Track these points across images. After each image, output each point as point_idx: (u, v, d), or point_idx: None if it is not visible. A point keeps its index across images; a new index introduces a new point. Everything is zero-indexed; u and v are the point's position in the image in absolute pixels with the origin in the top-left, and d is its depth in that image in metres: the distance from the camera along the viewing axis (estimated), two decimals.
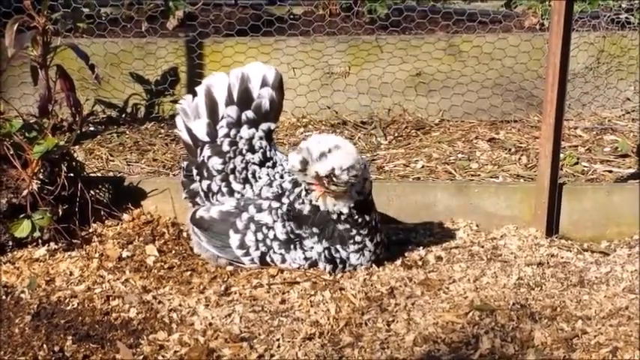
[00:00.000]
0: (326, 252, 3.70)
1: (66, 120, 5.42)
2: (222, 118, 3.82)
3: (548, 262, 3.84)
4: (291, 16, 6.46)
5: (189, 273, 3.81)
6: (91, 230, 4.14)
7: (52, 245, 3.97)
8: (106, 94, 5.82)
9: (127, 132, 5.53)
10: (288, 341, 3.23)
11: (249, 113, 3.80)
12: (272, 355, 3.17)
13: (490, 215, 4.21)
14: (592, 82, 5.73)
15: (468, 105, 5.70)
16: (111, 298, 3.57)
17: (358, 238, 3.68)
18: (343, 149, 3.53)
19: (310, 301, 3.51)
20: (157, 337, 3.29)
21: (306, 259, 3.72)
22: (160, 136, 5.49)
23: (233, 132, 3.80)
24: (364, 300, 3.52)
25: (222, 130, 3.82)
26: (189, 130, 3.87)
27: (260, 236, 3.72)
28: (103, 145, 5.31)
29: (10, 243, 3.95)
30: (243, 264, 3.79)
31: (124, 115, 5.84)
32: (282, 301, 3.53)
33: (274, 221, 3.71)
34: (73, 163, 4.18)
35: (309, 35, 6.02)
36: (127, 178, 4.43)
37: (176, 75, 5.88)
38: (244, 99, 3.80)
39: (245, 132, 3.80)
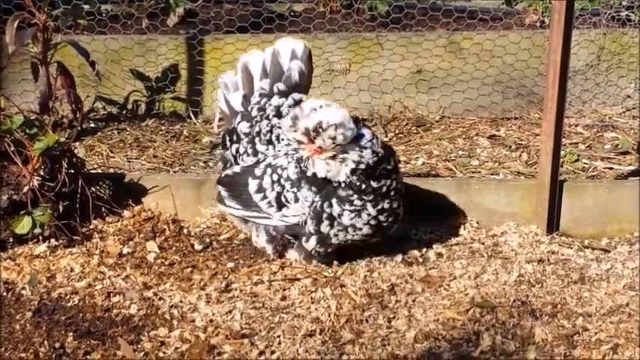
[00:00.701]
0: (317, 204, 3.67)
1: (66, 116, 5.40)
2: (256, 90, 4.02)
3: (548, 259, 3.84)
4: (292, 13, 6.45)
5: (189, 269, 3.82)
6: (91, 227, 4.15)
7: (53, 242, 3.97)
8: (106, 91, 5.81)
9: (128, 129, 5.51)
10: (289, 338, 3.24)
11: (280, 85, 4.00)
12: (273, 352, 3.17)
13: (491, 212, 4.21)
14: (592, 80, 5.72)
15: (468, 102, 5.69)
16: (112, 295, 3.57)
17: (358, 202, 3.64)
18: (334, 107, 3.60)
19: (311, 298, 3.51)
20: (158, 334, 3.30)
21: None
22: (160, 132, 5.48)
23: (264, 100, 4.00)
24: (365, 297, 3.52)
25: (254, 100, 4.02)
26: (227, 102, 4.10)
27: (275, 177, 3.78)
28: (104, 141, 5.30)
29: (11, 239, 3.96)
30: (262, 212, 3.79)
31: (124, 112, 5.83)
32: (283, 298, 3.53)
33: (288, 162, 3.77)
34: (74, 160, 4.18)
35: (310, 32, 6.01)
36: (127, 174, 4.43)
37: (177, 72, 5.86)
38: (276, 72, 4.03)
39: (275, 100, 3.99)
